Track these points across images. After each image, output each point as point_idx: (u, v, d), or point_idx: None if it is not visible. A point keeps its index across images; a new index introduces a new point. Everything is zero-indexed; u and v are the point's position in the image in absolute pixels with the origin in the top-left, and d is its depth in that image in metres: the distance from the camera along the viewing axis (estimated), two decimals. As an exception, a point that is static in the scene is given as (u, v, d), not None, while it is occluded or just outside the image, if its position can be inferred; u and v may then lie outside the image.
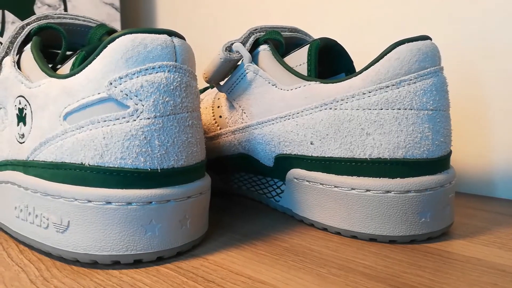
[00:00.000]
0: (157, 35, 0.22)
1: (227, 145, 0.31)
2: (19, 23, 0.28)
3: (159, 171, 0.21)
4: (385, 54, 0.24)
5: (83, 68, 0.22)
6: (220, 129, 0.32)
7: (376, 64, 0.24)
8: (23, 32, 0.27)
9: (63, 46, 0.28)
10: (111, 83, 0.21)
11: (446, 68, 0.28)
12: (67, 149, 0.21)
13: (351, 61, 0.31)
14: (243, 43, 0.29)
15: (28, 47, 0.26)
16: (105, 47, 0.21)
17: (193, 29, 0.62)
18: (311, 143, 0.26)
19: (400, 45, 0.24)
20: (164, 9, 0.66)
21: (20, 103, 0.24)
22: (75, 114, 0.21)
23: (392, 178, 0.24)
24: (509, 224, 0.28)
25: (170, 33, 0.22)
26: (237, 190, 0.34)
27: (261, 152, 0.29)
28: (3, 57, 0.26)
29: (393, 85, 0.24)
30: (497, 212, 0.31)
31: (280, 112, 0.27)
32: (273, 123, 0.28)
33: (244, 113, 0.29)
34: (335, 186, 0.25)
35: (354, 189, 0.25)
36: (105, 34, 0.29)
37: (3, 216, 0.26)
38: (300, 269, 0.21)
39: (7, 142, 0.26)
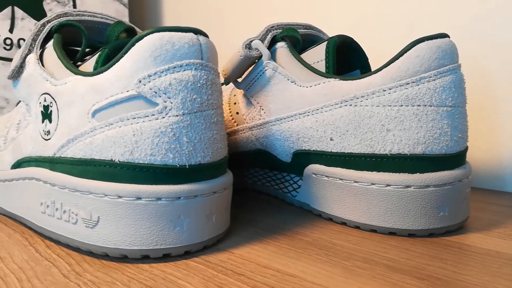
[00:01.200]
0: (184, 33, 0.22)
1: (244, 141, 0.32)
2: (40, 20, 0.28)
3: (187, 167, 0.22)
4: (405, 52, 0.25)
5: (111, 66, 0.22)
6: (237, 125, 0.32)
7: (396, 62, 0.25)
8: (44, 30, 0.27)
9: (83, 44, 0.28)
10: (140, 81, 0.21)
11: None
12: (96, 146, 0.22)
13: (367, 58, 0.31)
14: (261, 40, 0.29)
15: (50, 44, 0.26)
16: (133, 45, 0.22)
17: (199, 24, 0.62)
18: (331, 139, 0.26)
19: (419, 42, 0.24)
20: (171, 5, 0.66)
21: (45, 100, 0.25)
22: (104, 112, 0.22)
23: (412, 173, 0.24)
24: (522, 218, 0.29)
25: (196, 31, 0.22)
26: (252, 186, 0.35)
27: (279, 148, 0.30)
28: (27, 55, 0.26)
29: (413, 82, 0.24)
30: (508, 206, 0.32)
31: (299, 108, 0.28)
32: (292, 120, 0.28)
33: (262, 109, 0.30)
34: (355, 181, 0.26)
35: (374, 184, 0.25)
36: (123, 32, 0.30)
37: (28, 212, 0.26)
38: (325, 262, 0.22)
39: (31, 139, 0.26)
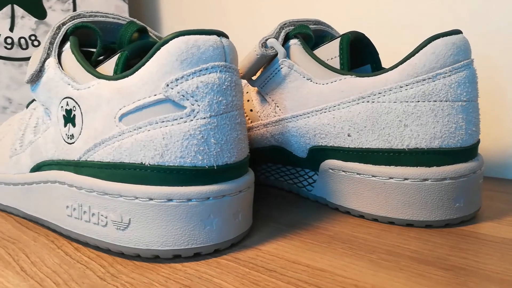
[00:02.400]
0: (208, 36, 0.22)
1: (258, 138, 0.32)
2: (56, 23, 0.28)
3: (215, 168, 0.22)
4: (421, 49, 0.25)
5: (136, 70, 0.22)
6: (251, 122, 0.33)
7: (412, 58, 0.25)
8: (60, 32, 0.27)
9: (98, 45, 0.28)
10: (167, 85, 0.21)
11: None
12: (125, 150, 0.22)
13: (377, 53, 0.32)
14: (276, 38, 0.29)
15: (67, 47, 0.26)
16: (158, 49, 0.22)
17: (199, 19, 0.62)
18: (349, 135, 0.27)
19: (435, 39, 0.25)
20: (171, 1, 0.66)
21: (67, 104, 0.25)
22: (131, 115, 0.22)
23: (429, 167, 0.25)
24: (530, 205, 0.30)
25: (219, 34, 0.23)
26: (265, 181, 0.35)
27: (295, 144, 0.30)
28: (46, 59, 0.26)
29: (429, 78, 0.25)
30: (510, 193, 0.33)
31: (316, 105, 0.28)
32: (308, 116, 0.29)
33: (277, 106, 0.30)
34: (373, 176, 0.26)
35: (392, 178, 0.26)
36: (136, 32, 0.30)
37: (52, 215, 0.26)
38: (351, 256, 0.22)
39: (52, 143, 0.26)
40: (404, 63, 0.25)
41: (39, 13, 0.49)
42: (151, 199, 0.22)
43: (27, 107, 0.34)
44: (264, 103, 0.31)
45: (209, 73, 0.22)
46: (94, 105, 0.23)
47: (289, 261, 0.22)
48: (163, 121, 0.22)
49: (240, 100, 0.24)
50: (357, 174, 0.27)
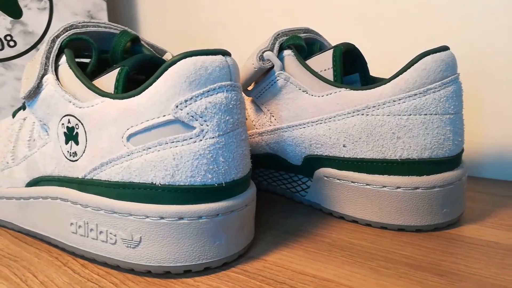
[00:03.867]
0: (214, 56, 0.23)
1: (253, 146, 0.33)
2: (49, 36, 0.27)
3: (223, 185, 0.23)
4: (412, 65, 0.26)
5: (143, 90, 0.22)
6: (245, 130, 0.33)
7: (404, 74, 0.27)
8: (55, 46, 0.27)
9: (93, 57, 0.28)
10: (177, 106, 0.22)
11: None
12: (135, 170, 0.22)
13: (366, 63, 0.33)
14: (271, 49, 0.30)
15: (63, 61, 0.26)
16: (165, 69, 0.22)
17: (178, 16, 0.62)
18: (344, 146, 0.28)
19: (425, 56, 0.26)
20: (144, -6, 0.64)
21: (69, 122, 0.25)
22: (140, 136, 0.22)
23: (420, 176, 0.27)
24: (506, 205, 0.33)
25: (223, 53, 0.23)
26: (258, 186, 0.36)
27: (290, 152, 0.31)
28: (43, 75, 0.26)
29: (421, 93, 0.26)
30: (493, 194, 0.36)
31: (312, 116, 0.29)
32: (304, 127, 0.30)
33: (273, 116, 0.31)
34: (367, 184, 0.28)
35: (385, 186, 0.27)
36: (129, 41, 0.30)
37: (53, 231, 0.26)
38: (352, 264, 0.24)
39: (51, 159, 0.26)
40: (397, 78, 0.27)
41: (14, 12, 0.47)
42: (162, 217, 0.22)
43: (13, 115, 0.33)
44: (259, 113, 0.32)
45: (217, 93, 0.22)
46: (99, 124, 0.23)
47: (295, 272, 0.23)
48: (173, 142, 0.22)
49: (244, 117, 0.24)
50: (352, 182, 0.29)
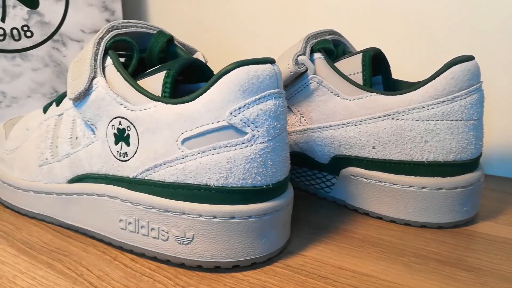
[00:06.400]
0: (264, 65, 0.24)
1: (281, 144, 0.34)
2: (92, 38, 0.28)
3: (271, 186, 0.24)
4: (441, 73, 0.28)
5: (197, 96, 0.24)
6: (273, 129, 0.35)
7: (433, 82, 0.28)
8: (101, 48, 0.27)
9: (134, 58, 0.29)
10: (231, 113, 0.23)
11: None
12: (190, 172, 0.24)
13: (389, 66, 0.35)
14: (304, 53, 0.31)
15: (109, 63, 0.27)
16: (219, 78, 0.23)
17: (191, 3, 0.62)
18: (373, 148, 0.30)
19: (453, 65, 0.28)
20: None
21: (120, 124, 0.26)
22: (194, 140, 0.24)
23: (444, 177, 0.29)
24: (514, 202, 0.35)
25: (272, 62, 0.24)
26: (280, 180, 0.38)
27: (318, 152, 0.33)
28: (93, 77, 0.26)
29: (448, 100, 0.28)
30: (500, 191, 0.38)
31: (343, 119, 0.31)
32: (334, 128, 0.31)
33: (303, 117, 0.33)
34: (394, 184, 0.30)
35: (411, 186, 0.29)
36: (165, 42, 0.31)
37: (100, 226, 0.28)
38: (386, 260, 0.26)
39: (99, 157, 0.27)
40: (426, 86, 0.28)
41: (32, 2, 0.47)
42: (215, 217, 0.24)
43: (44, 111, 0.34)
44: (288, 113, 0.33)
45: (267, 101, 0.24)
46: (152, 127, 0.24)
47: (335, 267, 0.25)
48: (227, 146, 0.23)
49: (286, 122, 0.26)
50: (379, 181, 0.30)
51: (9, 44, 0.46)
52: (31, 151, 0.32)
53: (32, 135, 0.33)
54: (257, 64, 0.24)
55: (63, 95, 0.32)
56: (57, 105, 0.32)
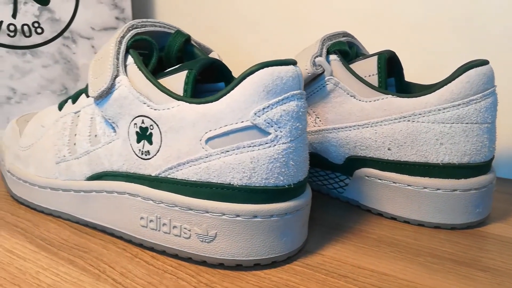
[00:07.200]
0: (287, 66, 0.24)
1: (295, 144, 0.35)
2: (112, 37, 0.28)
3: (292, 186, 0.25)
4: (457, 76, 0.29)
5: (221, 96, 0.24)
6: (288, 129, 0.35)
7: (449, 85, 0.29)
8: (122, 47, 0.28)
9: (154, 57, 0.29)
10: (255, 113, 0.23)
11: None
12: (214, 171, 0.24)
13: (402, 68, 0.35)
14: (320, 55, 0.32)
15: (131, 62, 0.27)
16: (243, 79, 0.24)
17: (200, 3, 0.62)
18: (389, 149, 0.31)
19: (469, 69, 0.29)
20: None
21: (143, 122, 0.26)
22: (218, 139, 0.24)
23: (458, 179, 0.30)
24: (523, 204, 0.36)
25: (294, 63, 0.25)
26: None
27: (333, 152, 0.33)
28: (116, 76, 0.27)
29: (464, 104, 0.29)
30: (507, 193, 0.39)
31: (359, 120, 0.31)
32: (350, 130, 0.32)
33: (318, 118, 0.33)
34: (409, 185, 0.30)
35: (426, 188, 0.30)
36: (184, 42, 0.31)
37: (119, 223, 0.28)
38: (403, 260, 0.26)
39: (119, 155, 0.27)
40: (442, 89, 0.29)
41: (43, -2, 0.47)
42: (238, 215, 0.24)
43: (60, 108, 0.34)
44: (303, 114, 0.34)
45: (289, 102, 0.24)
46: (176, 126, 0.25)
47: (354, 266, 0.25)
48: (250, 146, 0.24)
49: (307, 123, 0.26)
50: (393, 182, 0.31)
51: (20, 40, 0.46)
52: (47, 148, 0.32)
53: (48, 132, 0.33)
54: (281, 65, 0.24)
55: (79, 93, 0.32)
56: (73, 102, 0.33)
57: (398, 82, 0.36)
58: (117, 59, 0.27)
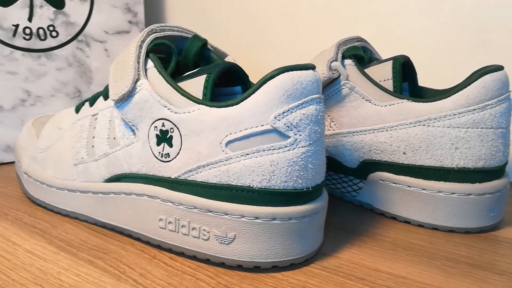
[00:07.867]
0: (307, 71, 0.24)
1: (309, 148, 0.35)
2: (133, 41, 0.29)
3: (310, 189, 0.25)
4: (473, 82, 0.29)
5: (241, 100, 0.24)
6: (302, 133, 0.35)
7: (465, 90, 0.29)
8: (142, 51, 0.28)
9: (172, 62, 0.30)
10: (275, 117, 0.24)
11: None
12: (234, 174, 0.24)
13: (416, 73, 0.35)
14: (336, 59, 0.32)
15: (151, 66, 0.28)
16: (264, 83, 0.24)
17: (211, 8, 0.63)
18: (404, 153, 0.31)
19: (484, 75, 0.29)
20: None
21: (163, 125, 0.26)
22: (238, 142, 0.24)
23: (472, 183, 0.30)
24: (535, 209, 0.36)
25: (313, 68, 0.25)
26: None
27: (347, 156, 0.34)
28: (137, 79, 0.27)
29: (479, 109, 0.29)
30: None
31: (374, 124, 0.32)
32: (365, 134, 0.32)
33: (333, 121, 0.33)
34: (423, 189, 0.31)
35: (441, 192, 0.30)
36: (201, 47, 0.31)
37: (137, 225, 0.28)
38: (419, 263, 0.27)
39: (139, 158, 0.28)
40: (457, 94, 0.29)
41: (58, 2, 0.48)
42: (257, 218, 0.24)
43: (77, 111, 0.35)
44: (318, 117, 0.34)
45: (309, 106, 0.24)
46: (196, 129, 0.25)
47: (371, 269, 0.26)
48: (270, 149, 0.24)
49: (325, 126, 0.27)
50: (408, 186, 0.31)
51: (35, 43, 0.47)
52: (65, 150, 0.33)
53: (65, 135, 0.34)
54: (300, 70, 0.24)
55: (97, 96, 0.33)
56: (91, 105, 0.33)
57: (412, 86, 0.36)
58: (138, 63, 0.28)
